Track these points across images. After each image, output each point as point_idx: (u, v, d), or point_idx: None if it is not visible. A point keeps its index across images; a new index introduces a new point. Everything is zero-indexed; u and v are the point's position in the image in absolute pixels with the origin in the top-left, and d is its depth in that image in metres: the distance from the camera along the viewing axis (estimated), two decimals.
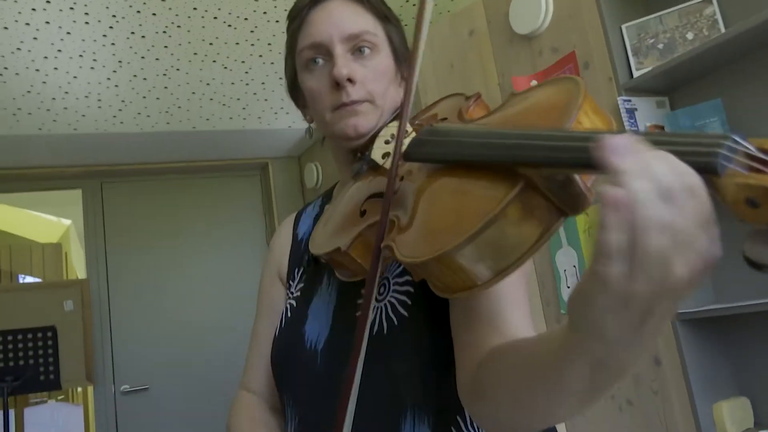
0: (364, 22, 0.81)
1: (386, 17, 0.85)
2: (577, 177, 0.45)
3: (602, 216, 0.37)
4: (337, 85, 0.78)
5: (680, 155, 0.38)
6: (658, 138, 0.40)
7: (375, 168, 0.75)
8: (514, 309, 0.65)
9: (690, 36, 1.78)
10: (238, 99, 3.41)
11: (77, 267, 6.24)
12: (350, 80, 0.77)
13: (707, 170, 0.37)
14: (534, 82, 2.08)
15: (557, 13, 2.01)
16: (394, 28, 0.86)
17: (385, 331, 0.72)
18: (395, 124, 0.76)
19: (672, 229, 0.36)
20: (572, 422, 1.95)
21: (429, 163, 0.59)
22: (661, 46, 1.81)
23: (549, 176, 0.46)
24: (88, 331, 3.43)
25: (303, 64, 0.83)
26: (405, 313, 0.73)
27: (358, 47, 0.80)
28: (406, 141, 0.62)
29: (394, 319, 0.73)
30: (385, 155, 0.74)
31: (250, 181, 4.30)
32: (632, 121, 1.78)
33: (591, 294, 0.40)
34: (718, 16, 1.74)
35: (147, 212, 3.96)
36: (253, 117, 3.65)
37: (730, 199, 0.37)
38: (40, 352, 3.22)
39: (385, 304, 0.74)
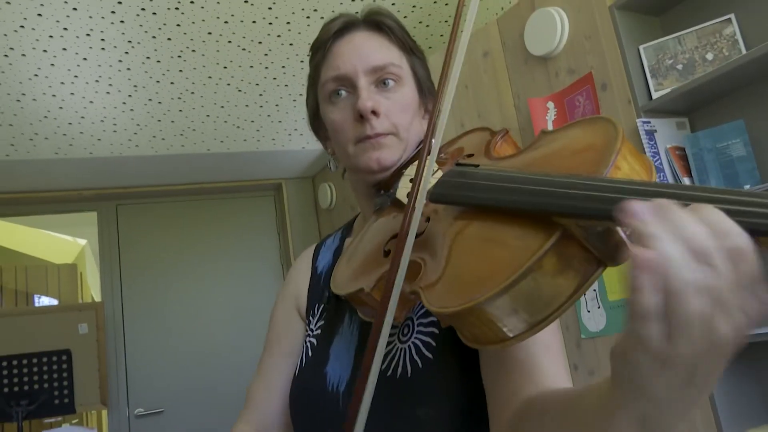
0: (389, 54, 0.80)
1: (411, 50, 0.84)
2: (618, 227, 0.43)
3: (633, 276, 0.35)
4: (361, 118, 0.76)
5: (731, 214, 0.35)
6: (704, 195, 0.38)
7: (399, 205, 0.73)
8: (549, 356, 0.63)
9: (710, 56, 1.75)
10: (252, 121, 3.42)
11: (92, 286, 6.27)
12: (374, 113, 0.76)
13: (762, 233, 0.35)
14: (550, 104, 2.06)
15: (573, 34, 1.99)
16: (419, 60, 0.84)
17: (409, 374, 0.70)
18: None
19: (712, 291, 0.34)
20: None
21: (457, 206, 0.57)
22: (680, 66, 1.78)
23: (587, 226, 0.43)
24: (103, 354, 3.42)
25: (326, 96, 0.81)
26: (430, 356, 0.70)
27: (382, 79, 0.79)
28: (432, 179, 0.60)
29: (419, 361, 0.70)
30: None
31: (265, 201, 4.30)
32: (652, 143, 1.75)
33: (630, 353, 0.38)
34: (739, 37, 1.71)
35: (162, 234, 3.97)
36: (267, 138, 3.66)
37: None
38: (55, 375, 3.22)
39: (409, 346, 0.72)
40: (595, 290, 1.94)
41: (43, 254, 5.89)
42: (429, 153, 0.62)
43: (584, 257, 0.44)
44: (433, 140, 0.62)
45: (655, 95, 1.79)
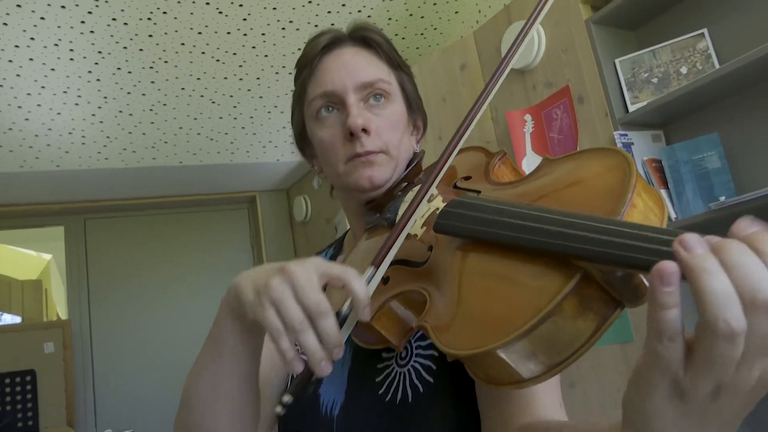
0: (378, 70, 0.79)
1: (398, 65, 0.82)
2: None
3: (657, 293, 0.34)
4: (351, 136, 0.74)
5: None
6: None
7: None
8: (547, 388, 0.62)
9: (684, 70, 1.78)
10: (226, 133, 3.37)
11: (58, 303, 6.09)
12: (365, 130, 0.74)
13: None
14: (528, 117, 2.07)
15: (550, 48, 2.01)
16: (407, 76, 0.83)
17: (410, 399, 0.68)
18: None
19: (750, 335, 0.33)
20: None
21: (465, 238, 0.54)
22: (655, 80, 1.81)
23: (608, 270, 0.42)
24: (69, 374, 3.32)
25: (313, 113, 0.79)
26: (430, 379, 0.68)
27: (372, 96, 0.77)
28: (432, 204, 0.58)
29: (420, 386, 0.68)
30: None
31: (238, 214, 4.24)
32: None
33: (647, 375, 0.37)
34: (712, 51, 1.74)
35: (132, 249, 3.88)
36: (241, 151, 3.61)
37: None
38: (18, 397, 3.11)
39: (409, 370, 0.70)
40: None
41: (5, 270, 5.71)
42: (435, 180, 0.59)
43: (603, 299, 0.43)
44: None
45: (631, 108, 1.81)
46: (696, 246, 0.34)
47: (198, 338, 0.64)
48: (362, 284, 0.52)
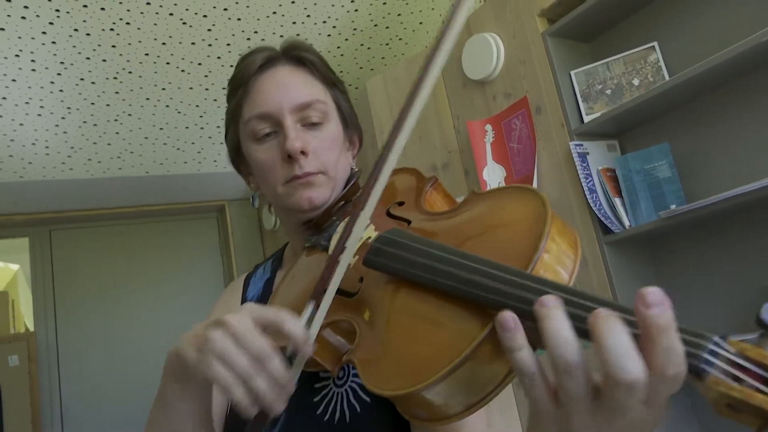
0: (313, 89, 0.79)
1: (333, 83, 0.83)
2: None
3: (501, 339, 0.41)
4: (289, 158, 0.75)
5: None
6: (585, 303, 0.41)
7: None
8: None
9: (636, 82, 1.83)
10: (193, 143, 3.36)
11: (26, 314, 5.97)
12: (303, 152, 0.75)
13: (690, 371, 0.36)
14: (488, 127, 2.11)
15: (509, 59, 2.05)
16: (341, 93, 0.84)
17: (347, 419, 0.68)
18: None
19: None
20: None
21: (392, 275, 0.56)
22: (609, 91, 1.86)
23: None
24: (35, 388, 3.26)
25: (249, 134, 0.79)
26: (367, 399, 0.69)
27: (309, 117, 0.77)
28: (364, 231, 0.60)
29: (357, 405, 0.69)
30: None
31: (207, 224, 4.22)
32: (585, 164, 1.81)
33: (534, 420, 0.43)
34: (662, 63, 1.80)
35: (99, 259, 3.83)
36: (208, 160, 3.60)
37: (711, 399, 0.36)
38: None
39: (346, 390, 0.70)
40: None
41: None
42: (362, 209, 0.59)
43: None
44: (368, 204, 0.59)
45: (586, 119, 1.85)
46: (549, 301, 0.39)
47: (167, 348, 0.64)
48: (297, 325, 0.54)
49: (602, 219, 1.75)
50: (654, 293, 0.36)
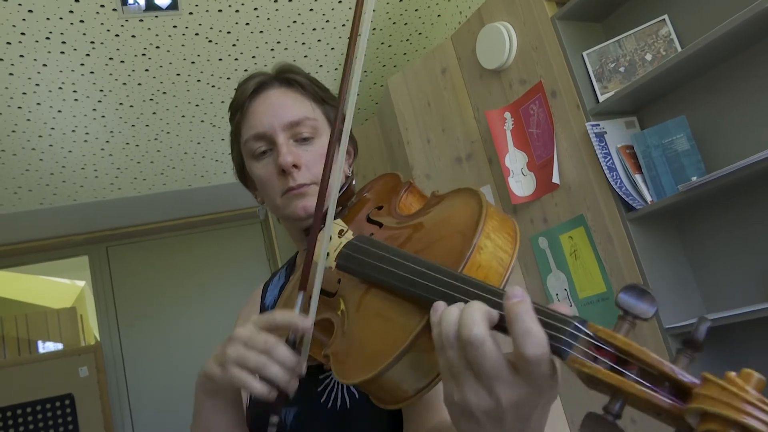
0: (302, 108, 0.86)
1: (323, 100, 0.90)
2: None
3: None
4: (283, 172, 0.82)
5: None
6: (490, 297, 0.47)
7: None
8: None
9: (649, 57, 1.83)
10: (230, 153, 3.49)
11: (94, 327, 6.31)
12: (295, 166, 0.82)
13: (553, 352, 0.42)
14: (507, 114, 2.14)
15: (521, 47, 2.07)
16: (332, 108, 0.90)
17: (348, 406, 0.76)
18: (341, 221, 0.80)
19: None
20: None
21: (360, 277, 0.63)
22: (622, 69, 1.86)
23: None
24: (105, 395, 3.47)
25: (249, 153, 0.87)
26: None
27: (299, 133, 0.85)
28: (343, 239, 0.67)
29: (355, 393, 0.77)
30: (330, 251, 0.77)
31: (252, 229, 4.37)
32: (602, 144, 1.82)
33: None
34: (674, 36, 1.79)
35: (154, 271, 4.04)
36: None
37: (575, 373, 0.42)
38: (60, 420, 3.27)
39: None
40: (566, 289, 2.01)
41: (42, 300, 5.94)
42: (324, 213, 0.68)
43: None
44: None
45: (601, 98, 1.86)
46: (440, 307, 0.47)
47: None
48: (288, 313, 0.64)
49: (624, 197, 1.76)
50: (513, 291, 0.43)
